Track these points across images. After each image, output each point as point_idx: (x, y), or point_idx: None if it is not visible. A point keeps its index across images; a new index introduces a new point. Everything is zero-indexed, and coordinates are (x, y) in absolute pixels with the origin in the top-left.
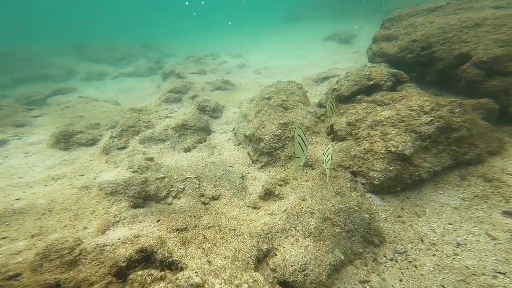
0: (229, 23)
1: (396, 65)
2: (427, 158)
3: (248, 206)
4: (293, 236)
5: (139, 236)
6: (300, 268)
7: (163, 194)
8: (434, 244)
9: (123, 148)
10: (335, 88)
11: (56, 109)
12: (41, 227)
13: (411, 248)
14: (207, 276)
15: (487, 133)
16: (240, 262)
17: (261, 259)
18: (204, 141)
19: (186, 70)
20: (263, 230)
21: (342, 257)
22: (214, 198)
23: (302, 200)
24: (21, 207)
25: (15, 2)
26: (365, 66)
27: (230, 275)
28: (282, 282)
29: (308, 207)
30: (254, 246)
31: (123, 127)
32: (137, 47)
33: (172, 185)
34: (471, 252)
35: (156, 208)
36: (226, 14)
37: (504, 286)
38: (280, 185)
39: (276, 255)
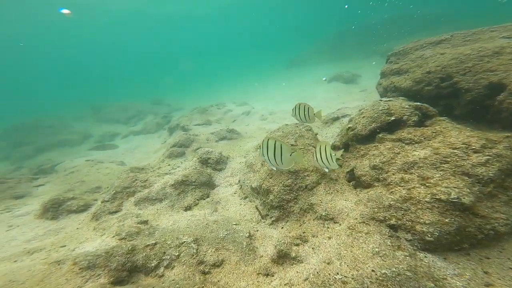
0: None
1: (413, 99)
2: (497, 208)
3: (258, 273)
4: None
5: None
6: None
7: (153, 264)
8: None
9: (115, 212)
10: (349, 127)
11: (60, 175)
12: None
13: None
14: None
15: None
16: None
17: None
18: (207, 197)
19: (191, 122)
20: None
21: None
22: (216, 265)
23: (328, 263)
24: None
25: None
26: (381, 100)
27: None
28: None
29: (338, 273)
30: None
31: (116, 189)
32: (148, 104)
33: (164, 252)
34: None
35: (143, 283)
36: (228, 64)
37: None
38: (297, 245)
39: None
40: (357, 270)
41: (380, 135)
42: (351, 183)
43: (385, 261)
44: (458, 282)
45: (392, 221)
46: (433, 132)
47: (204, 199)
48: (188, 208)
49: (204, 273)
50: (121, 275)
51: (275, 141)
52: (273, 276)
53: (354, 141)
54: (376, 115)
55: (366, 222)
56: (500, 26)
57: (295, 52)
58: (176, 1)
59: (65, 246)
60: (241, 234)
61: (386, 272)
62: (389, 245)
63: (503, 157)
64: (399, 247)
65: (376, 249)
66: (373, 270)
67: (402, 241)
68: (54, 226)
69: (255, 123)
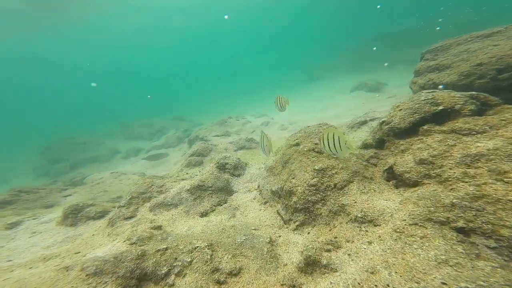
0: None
1: None
2: None
3: (282, 284)
4: None
5: None
6: None
7: (163, 272)
8: None
9: (130, 217)
10: (383, 122)
11: (87, 186)
12: None
13: None
14: None
15: None
16: None
17: None
18: (225, 203)
19: (210, 134)
20: None
21: None
22: (233, 274)
23: (372, 272)
24: None
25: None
26: (421, 92)
27: None
28: None
29: (388, 285)
30: None
31: (132, 195)
32: (170, 120)
33: (176, 258)
34: None
35: None
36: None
37: None
38: (328, 251)
39: None
40: (417, 283)
41: (425, 127)
42: (390, 182)
43: (461, 272)
44: None
45: (460, 223)
46: (502, 120)
47: (221, 205)
48: (204, 214)
49: (219, 282)
50: (129, 283)
51: (333, 132)
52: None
53: (391, 135)
54: (417, 105)
55: (420, 224)
56: None
57: (314, 66)
58: (196, 16)
59: (79, 252)
60: (261, 240)
61: (469, 286)
62: (461, 253)
63: None
64: (478, 256)
65: (442, 257)
66: (444, 283)
67: (482, 249)
68: (72, 232)
69: (275, 133)
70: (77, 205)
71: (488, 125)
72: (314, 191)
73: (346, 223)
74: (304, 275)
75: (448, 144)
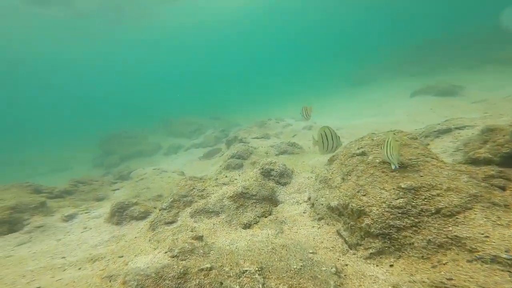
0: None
1: None
2: None
3: None
4: None
5: None
6: None
7: None
8: None
9: (171, 222)
10: None
11: (132, 182)
12: None
13: None
14: None
15: None
16: None
17: None
18: (269, 214)
19: (249, 135)
20: None
21: None
22: None
23: None
24: None
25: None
26: None
27: None
28: None
29: None
30: None
31: (174, 197)
32: (207, 119)
33: (221, 283)
34: None
35: None
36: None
37: None
38: None
39: None
40: None
41: None
42: None
43: None
44: None
45: None
46: None
47: (266, 217)
48: (247, 226)
49: None
50: None
51: (390, 139)
52: None
53: None
54: None
55: None
56: None
57: (357, 68)
58: (237, 18)
59: (122, 256)
60: (324, 269)
61: None
62: None
63: None
64: None
65: None
66: None
67: None
68: (117, 232)
69: None
70: (122, 203)
71: None
72: (400, 215)
73: (468, 261)
74: None
75: None
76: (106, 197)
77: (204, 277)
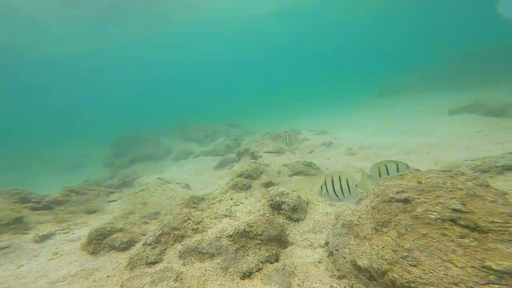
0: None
1: None
2: None
3: None
4: None
5: None
6: None
7: None
8: None
9: (154, 262)
10: None
11: (131, 192)
12: None
13: None
14: None
15: None
16: None
17: None
18: (276, 260)
19: (261, 149)
20: None
21: None
22: None
23: None
24: None
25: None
26: None
27: None
28: None
29: None
30: None
31: (163, 230)
32: (222, 125)
33: None
34: None
35: None
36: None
37: None
38: None
39: None
40: None
41: None
42: None
43: None
44: None
45: None
46: None
47: (271, 263)
48: (246, 275)
49: None
50: None
51: (339, 175)
52: None
53: None
54: None
55: None
56: None
57: (388, 77)
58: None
59: None
60: None
61: None
62: None
63: None
64: None
65: None
66: None
67: None
68: (90, 264)
69: (340, 158)
70: (104, 229)
71: None
72: None
73: None
74: None
75: None
76: (99, 210)
77: None
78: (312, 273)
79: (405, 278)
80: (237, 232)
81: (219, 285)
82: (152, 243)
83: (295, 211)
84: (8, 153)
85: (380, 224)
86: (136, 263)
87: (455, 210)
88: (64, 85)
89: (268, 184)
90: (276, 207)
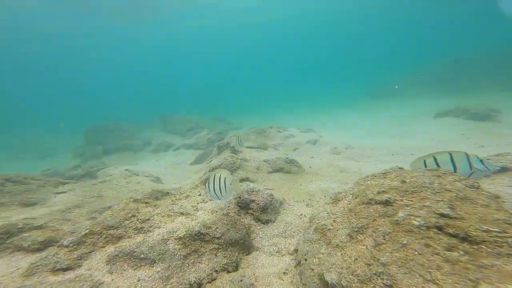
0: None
1: None
2: None
3: None
4: None
5: None
6: None
7: None
8: None
9: (66, 269)
10: None
11: (87, 185)
12: None
13: None
14: None
15: None
16: None
17: None
18: (235, 269)
19: (243, 143)
20: None
21: None
22: None
23: None
24: None
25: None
26: None
27: None
28: None
29: None
30: None
31: (94, 228)
32: (208, 119)
33: None
34: None
35: None
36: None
37: None
38: None
39: None
40: None
41: None
42: None
43: None
44: None
45: None
46: None
47: (228, 272)
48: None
49: None
50: None
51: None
52: None
53: None
54: None
55: None
56: None
57: (378, 80)
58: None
59: None
60: None
61: None
62: None
63: None
64: None
65: None
66: None
67: None
68: None
69: (324, 157)
70: (13, 226)
71: None
72: None
73: None
74: None
75: None
76: (40, 202)
77: None
78: (274, 287)
79: None
80: (189, 234)
81: None
82: (71, 245)
83: (265, 212)
84: None
85: (356, 230)
86: (37, 269)
87: (442, 215)
88: (45, 69)
89: (243, 181)
90: (244, 206)
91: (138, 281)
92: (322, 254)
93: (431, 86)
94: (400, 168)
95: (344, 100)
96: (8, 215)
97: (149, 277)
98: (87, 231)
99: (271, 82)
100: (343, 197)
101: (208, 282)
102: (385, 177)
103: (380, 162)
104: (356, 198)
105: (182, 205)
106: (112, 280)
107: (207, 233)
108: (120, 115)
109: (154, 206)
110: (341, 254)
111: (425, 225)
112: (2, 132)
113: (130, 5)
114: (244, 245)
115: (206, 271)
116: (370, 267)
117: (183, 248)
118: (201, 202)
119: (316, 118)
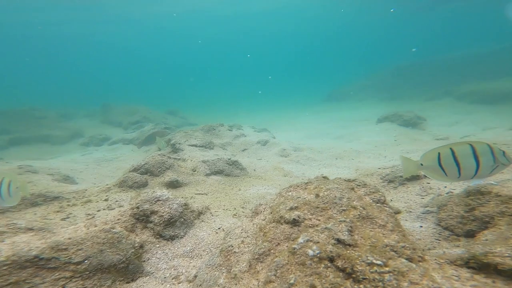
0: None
1: None
2: None
3: None
4: None
5: None
6: None
7: None
8: None
9: None
10: None
11: None
12: None
13: None
14: None
15: None
16: None
17: None
18: None
19: (186, 141)
20: None
21: None
22: None
23: None
24: None
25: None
26: None
27: None
28: None
29: None
30: None
31: None
32: (162, 113)
33: None
34: None
35: None
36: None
37: None
38: None
39: None
40: None
41: None
42: None
43: None
44: None
45: None
46: None
47: None
48: None
49: None
50: None
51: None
52: None
53: None
54: None
55: None
56: None
57: (336, 84)
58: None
59: None
60: None
61: None
62: None
63: None
64: None
65: None
66: None
67: None
68: None
69: (272, 159)
70: None
71: None
72: None
73: None
74: None
75: None
76: None
77: None
78: None
79: None
80: (25, 260)
81: None
82: None
83: (171, 225)
84: None
85: (256, 257)
86: None
87: (338, 241)
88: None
89: (172, 184)
90: (143, 218)
91: None
92: (218, 286)
93: (378, 92)
94: (324, 177)
95: (306, 101)
96: None
97: None
98: None
99: (240, 82)
100: (262, 210)
101: None
102: (306, 188)
103: (324, 166)
104: (271, 213)
105: (70, 213)
106: None
107: (54, 257)
108: (52, 100)
109: (14, 210)
110: (240, 285)
111: (318, 255)
112: None
113: None
114: (126, 270)
115: None
116: None
117: (20, 272)
118: (105, 209)
119: (276, 118)
